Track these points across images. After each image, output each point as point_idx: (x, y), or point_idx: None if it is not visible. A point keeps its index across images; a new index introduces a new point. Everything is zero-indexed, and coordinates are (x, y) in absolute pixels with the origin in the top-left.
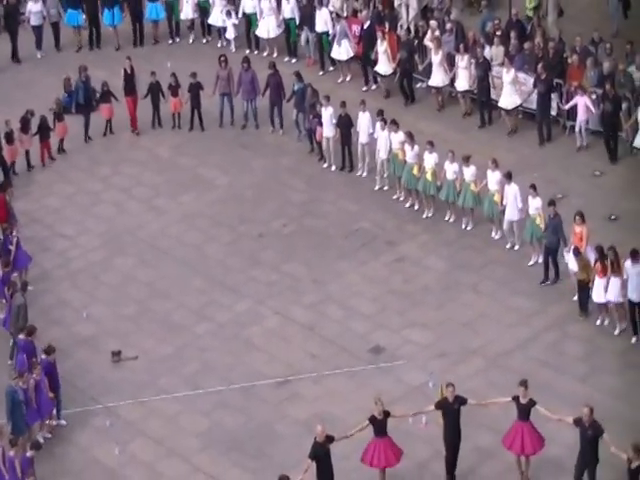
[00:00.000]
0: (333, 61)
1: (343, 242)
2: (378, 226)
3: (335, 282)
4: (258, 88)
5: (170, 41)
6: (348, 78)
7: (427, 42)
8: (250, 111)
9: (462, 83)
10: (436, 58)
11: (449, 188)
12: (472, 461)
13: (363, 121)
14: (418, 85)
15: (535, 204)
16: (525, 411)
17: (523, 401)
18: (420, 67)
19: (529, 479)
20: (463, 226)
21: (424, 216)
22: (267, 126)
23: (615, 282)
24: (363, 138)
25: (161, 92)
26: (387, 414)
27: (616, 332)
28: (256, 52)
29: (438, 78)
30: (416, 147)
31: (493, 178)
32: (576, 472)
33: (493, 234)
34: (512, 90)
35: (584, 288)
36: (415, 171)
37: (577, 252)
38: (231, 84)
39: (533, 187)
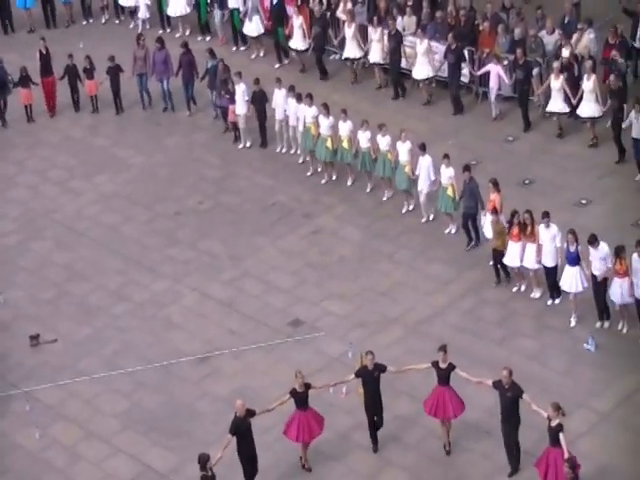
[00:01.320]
0: (246, 38)
1: (259, 217)
2: (294, 199)
3: (252, 257)
4: (171, 68)
5: (84, 22)
6: (261, 54)
7: (340, 14)
8: (165, 91)
9: (375, 55)
10: (349, 31)
11: (364, 157)
12: (393, 429)
13: (279, 98)
14: (331, 57)
15: (448, 173)
16: (445, 376)
17: (442, 366)
18: (335, 41)
19: (451, 443)
20: (385, 198)
21: (348, 184)
22: (182, 104)
23: (530, 248)
24: (279, 114)
25: (77, 75)
26: (308, 386)
27: (536, 296)
28: (169, 31)
29: (352, 50)
30: (331, 118)
31: (404, 149)
32: (504, 436)
33: (404, 209)
34: (425, 60)
35: (499, 256)
36: (329, 144)
37: (495, 212)
38: (147, 64)
39: (446, 156)
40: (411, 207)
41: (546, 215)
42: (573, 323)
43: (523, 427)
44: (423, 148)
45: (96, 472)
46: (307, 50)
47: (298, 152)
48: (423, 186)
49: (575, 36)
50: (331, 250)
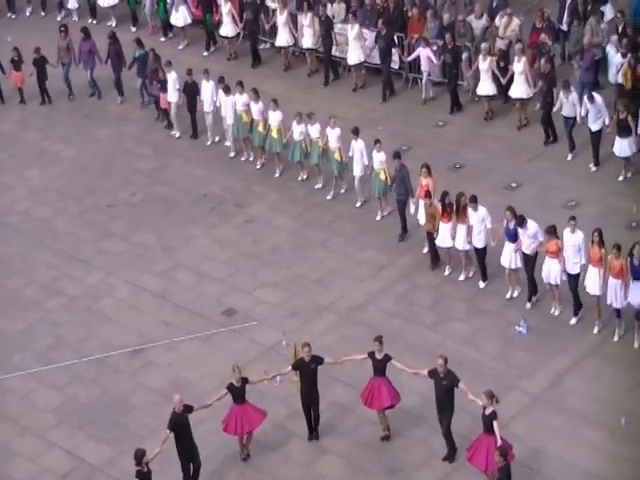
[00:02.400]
0: (172, 28)
1: (192, 208)
2: (226, 189)
3: (185, 248)
4: (98, 58)
5: (9, 15)
6: (185, 42)
7: (270, 3)
8: (90, 81)
9: (307, 41)
10: (281, 18)
11: (295, 148)
12: (330, 416)
13: (207, 89)
14: (262, 46)
15: (379, 158)
16: (381, 367)
17: (379, 357)
18: (267, 27)
19: (389, 431)
20: (317, 186)
21: (276, 175)
22: (110, 96)
23: (461, 229)
24: (207, 106)
25: (1, 67)
26: (245, 381)
27: (461, 278)
28: (95, 22)
29: (283, 38)
30: (260, 103)
31: (333, 135)
32: (442, 426)
33: (329, 197)
34: (357, 45)
35: (433, 239)
36: (260, 128)
37: (428, 196)
38: (71, 54)
39: (377, 141)
40: (342, 190)
41: (473, 200)
42: (509, 295)
43: (458, 412)
44: (356, 132)
45: (32, 468)
46: (237, 37)
47: (227, 144)
48: (356, 171)
49: (504, 20)
50: (264, 239)
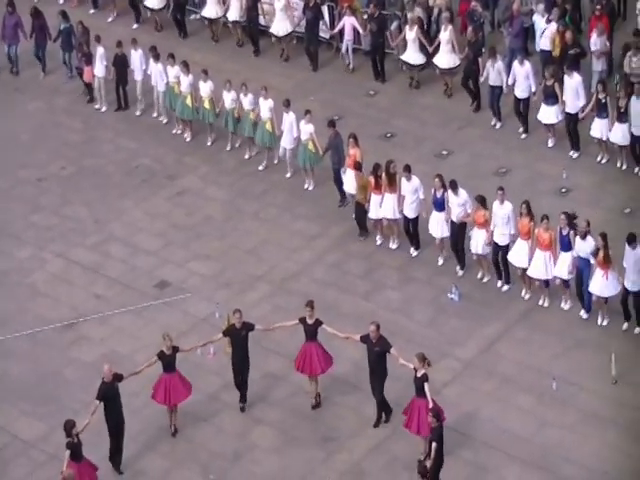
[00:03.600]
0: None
1: (123, 180)
2: (157, 161)
3: (117, 221)
4: (23, 32)
5: None
6: (115, 15)
7: None
8: (13, 55)
9: (234, 13)
10: None
11: (227, 117)
12: (262, 386)
13: (136, 59)
14: (192, 17)
15: (308, 129)
16: (312, 332)
17: (310, 322)
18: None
19: (319, 398)
20: (247, 156)
21: (207, 144)
22: (38, 69)
23: (390, 198)
24: (137, 75)
25: None
26: (176, 349)
27: (393, 247)
28: None
29: (212, 10)
30: (190, 76)
31: (265, 106)
32: (373, 391)
33: (261, 167)
34: (284, 16)
35: (362, 209)
36: (189, 101)
37: (357, 166)
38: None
39: (307, 112)
40: (275, 161)
41: (407, 169)
42: (440, 262)
43: (390, 378)
44: (288, 104)
45: None
46: (164, 9)
47: (155, 114)
48: (287, 142)
49: None
50: (196, 211)
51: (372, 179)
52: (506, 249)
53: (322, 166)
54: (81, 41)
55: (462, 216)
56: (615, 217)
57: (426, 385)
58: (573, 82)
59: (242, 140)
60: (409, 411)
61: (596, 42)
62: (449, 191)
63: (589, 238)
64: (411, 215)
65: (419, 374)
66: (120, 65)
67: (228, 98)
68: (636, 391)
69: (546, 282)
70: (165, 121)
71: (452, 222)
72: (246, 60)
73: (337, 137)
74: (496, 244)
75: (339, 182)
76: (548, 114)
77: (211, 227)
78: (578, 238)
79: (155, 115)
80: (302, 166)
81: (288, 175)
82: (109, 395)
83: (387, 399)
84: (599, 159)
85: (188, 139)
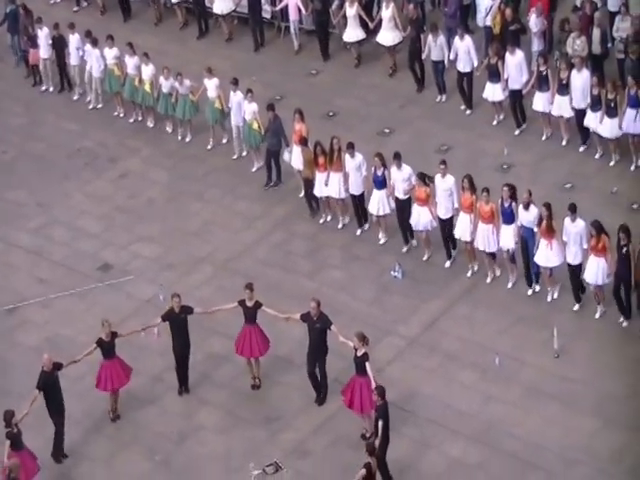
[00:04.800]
0: None
1: (66, 163)
2: (100, 144)
3: (60, 204)
4: None
5: None
6: None
7: None
8: None
9: None
10: None
11: (166, 101)
12: (206, 367)
13: (73, 43)
14: None
15: (251, 108)
16: (252, 314)
17: (249, 304)
18: None
19: (260, 378)
20: (187, 139)
21: (149, 125)
22: None
23: (335, 177)
24: (74, 60)
25: None
26: (115, 335)
27: (339, 226)
28: None
29: None
30: (136, 58)
31: (211, 85)
32: (308, 365)
33: (209, 146)
34: None
35: (309, 185)
36: (136, 83)
37: (304, 142)
38: None
39: (249, 91)
40: (224, 140)
41: (351, 146)
42: (382, 241)
43: (332, 356)
44: (236, 83)
45: None
46: None
47: (88, 99)
48: (235, 121)
49: None
50: (139, 193)
51: (315, 157)
52: (450, 223)
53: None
54: (25, 24)
55: (407, 189)
56: (556, 192)
57: (367, 364)
58: (516, 59)
59: (179, 122)
60: (350, 390)
61: (536, 22)
62: (393, 166)
63: (532, 208)
64: (356, 192)
65: (359, 353)
66: (58, 47)
67: (166, 85)
68: (578, 365)
69: (492, 255)
70: (100, 106)
71: (397, 199)
72: (188, 41)
73: (276, 120)
74: (440, 218)
75: (269, 164)
76: (494, 92)
77: (154, 209)
78: (521, 208)
79: (88, 99)
80: (248, 147)
81: (234, 157)
82: (49, 384)
83: (318, 376)
84: (542, 135)
85: (131, 120)
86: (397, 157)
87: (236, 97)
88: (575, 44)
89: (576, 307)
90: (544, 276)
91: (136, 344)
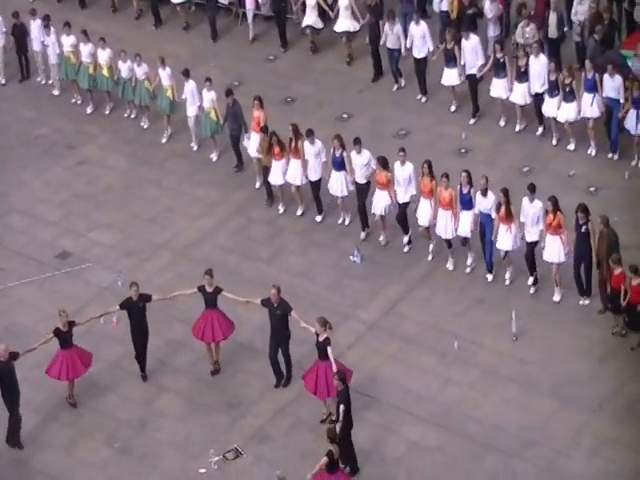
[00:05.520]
0: None
1: (23, 151)
2: (57, 131)
3: (18, 192)
4: None
5: None
6: None
7: None
8: None
9: None
10: None
11: (125, 86)
12: (166, 354)
13: (34, 29)
14: None
15: (210, 96)
16: (212, 299)
17: (209, 290)
18: None
19: (220, 364)
20: (145, 126)
21: (106, 112)
22: None
23: (295, 164)
24: (36, 46)
25: None
26: (72, 324)
27: (299, 213)
28: None
29: None
30: (90, 45)
31: (164, 74)
32: (270, 350)
33: (165, 136)
34: None
35: (268, 173)
36: (91, 71)
37: (264, 130)
38: None
39: (208, 79)
40: (165, 135)
41: (310, 133)
42: (347, 222)
43: (294, 341)
44: (187, 74)
45: None
46: None
47: (51, 82)
48: (190, 111)
49: None
50: (97, 180)
51: (270, 146)
52: (406, 207)
53: (224, 132)
54: None
55: (367, 174)
56: (514, 176)
57: (329, 349)
58: (471, 43)
59: (139, 109)
60: (313, 375)
61: (490, 8)
62: (353, 152)
63: (490, 194)
64: (314, 178)
65: (321, 338)
66: (19, 35)
67: (124, 68)
68: (535, 347)
69: (449, 241)
70: (57, 93)
71: (356, 183)
72: (145, 28)
73: (235, 105)
74: (399, 205)
75: (237, 149)
76: (450, 77)
77: (112, 196)
78: (479, 194)
79: (55, 85)
80: (205, 135)
81: (193, 145)
82: (5, 373)
83: (280, 362)
84: (499, 120)
85: (89, 110)
86: (357, 142)
87: (189, 87)
88: (525, 32)
89: (532, 289)
90: (503, 260)
91: (95, 331)
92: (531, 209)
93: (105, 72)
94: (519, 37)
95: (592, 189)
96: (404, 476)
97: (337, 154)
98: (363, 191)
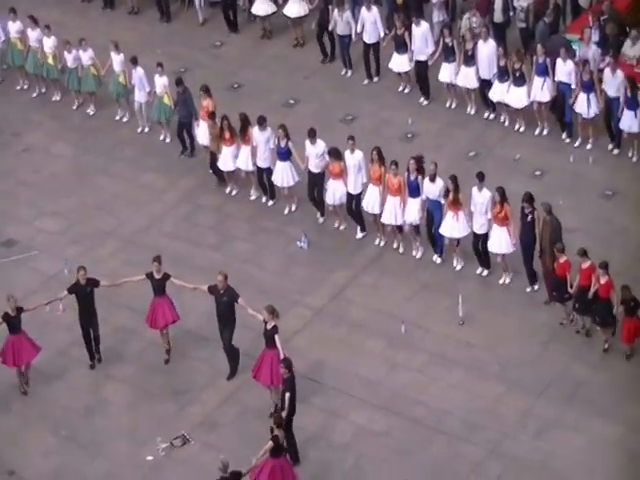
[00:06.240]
0: None
1: None
2: (2, 118)
3: None
4: None
5: None
6: None
7: None
8: None
9: None
10: None
11: (71, 76)
12: (114, 343)
13: None
14: None
15: (162, 82)
16: (160, 286)
17: (157, 276)
18: None
19: (170, 350)
20: (91, 112)
21: (54, 99)
22: None
23: (245, 150)
24: None
25: None
26: (20, 310)
27: (252, 197)
28: None
29: None
30: (38, 30)
31: (116, 60)
32: (222, 340)
33: (117, 117)
34: None
35: (215, 160)
36: (39, 56)
37: (212, 116)
38: None
39: (160, 65)
40: (125, 119)
41: (263, 120)
42: (293, 208)
43: (241, 329)
44: (134, 61)
45: None
46: None
47: None
48: (139, 97)
49: None
50: (43, 167)
51: (221, 131)
52: (359, 197)
53: (175, 119)
54: None
55: (322, 165)
56: (460, 160)
57: (276, 337)
58: (421, 30)
59: (86, 97)
60: (260, 363)
61: None
62: (307, 141)
63: (438, 180)
64: (263, 165)
65: (269, 326)
66: None
67: (70, 58)
68: (482, 331)
69: (399, 228)
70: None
71: (310, 172)
72: (91, 14)
73: (185, 92)
74: (349, 193)
75: (182, 135)
76: (400, 62)
77: (59, 183)
78: (427, 180)
79: None
80: (158, 120)
81: (139, 130)
82: None
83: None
84: (448, 104)
85: (34, 94)
86: (311, 133)
87: (137, 74)
88: (472, 22)
89: (480, 271)
90: (451, 247)
91: (41, 319)
92: (480, 198)
93: (50, 60)
94: (464, 28)
95: (537, 173)
96: (352, 461)
97: (282, 144)
98: (316, 180)
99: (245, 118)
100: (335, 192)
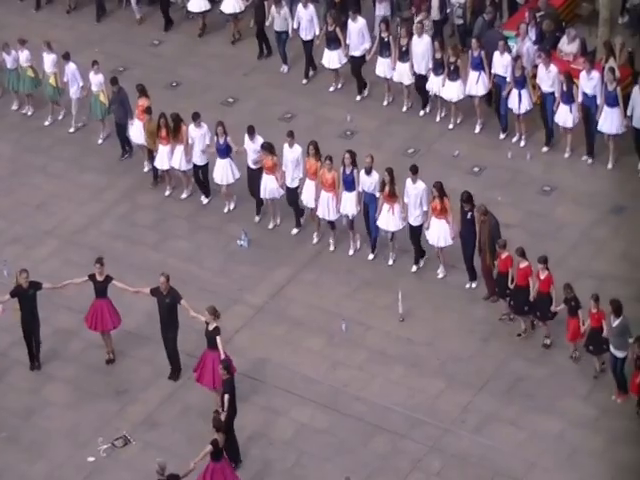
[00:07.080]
0: None
1: None
2: None
3: None
4: None
5: None
6: None
7: None
8: None
9: None
10: None
11: (11, 77)
12: (54, 343)
13: None
14: None
15: (97, 79)
16: (102, 289)
17: (99, 279)
18: None
19: (114, 351)
20: (29, 113)
21: None
22: None
23: (178, 150)
24: None
25: None
26: None
27: (183, 196)
28: None
29: None
30: None
31: (48, 60)
32: (165, 342)
33: (47, 123)
34: None
35: (152, 157)
36: None
37: (149, 111)
38: None
39: (95, 63)
40: (60, 117)
41: (197, 116)
42: (232, 207)
43: (184, 330)
44: (67, 57)
45: None
46: None
47: None
48: (72, 94)
49: None
50: None
51: (158, 129)
52: (296, 191)
53: (111, 118)
54: None
55: (257, 159)
56: (399, 157)
57: (218, 338)
58: (357, 25)
59: (23, 98)
60: (202, 364)
61: None
62: (246, 137)
63: (374, 173)
64: (200, 162)
65: (210, 327)
66: None
67: (8, 60)
68: (422, 327)
69: (332, 223)
70: None
71: (249, 168)
72: (27, 13)
73: (121, 92)
74: (288, 188)
75: (122, 136)
76: (332, 59)
77: None
78: (363, 173)
79: None
80: (95, 118)
81: (72, 130)
82: None
83: (179, 353)
84: (384, 101)
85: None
86: (250, 130)
87: (69, 69)
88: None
89: (414, 268)
90: (386, 240)
91: None
92: (413, 190)
93: None
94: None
95: (476, 169)
96: (293, 458)
97: (221, 141)
98: (253, 176)
99: (177, 117)
100: (266, 186)
